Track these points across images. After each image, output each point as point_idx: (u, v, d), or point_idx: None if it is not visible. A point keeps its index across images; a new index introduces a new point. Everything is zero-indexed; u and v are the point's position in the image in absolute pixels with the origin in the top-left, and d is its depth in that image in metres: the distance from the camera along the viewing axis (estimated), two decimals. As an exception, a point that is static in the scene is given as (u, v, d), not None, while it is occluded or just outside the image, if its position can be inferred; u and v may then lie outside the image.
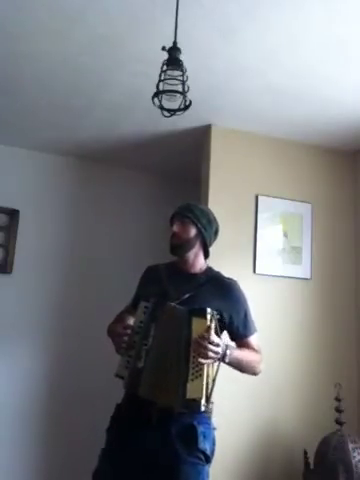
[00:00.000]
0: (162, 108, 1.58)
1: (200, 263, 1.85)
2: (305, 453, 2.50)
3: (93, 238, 3.51)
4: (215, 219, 1.89)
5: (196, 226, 1.80)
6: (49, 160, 3.49)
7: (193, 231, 1.80)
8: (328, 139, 2.99)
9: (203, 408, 1.56)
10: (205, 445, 1.63)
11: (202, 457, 1.61)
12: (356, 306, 2.97)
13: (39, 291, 3.32)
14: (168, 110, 1.58)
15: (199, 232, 1.81)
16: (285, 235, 2.93)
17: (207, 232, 1.82)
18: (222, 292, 1.79)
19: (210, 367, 1.58)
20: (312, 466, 2.47)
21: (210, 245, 1.86)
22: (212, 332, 1.55)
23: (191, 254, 1.82)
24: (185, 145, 3.18)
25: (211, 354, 1.53)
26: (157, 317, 1.62)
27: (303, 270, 2.91)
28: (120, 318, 1.90)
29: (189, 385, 1.53)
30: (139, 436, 1.62)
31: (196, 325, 1.56)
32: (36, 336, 3.27)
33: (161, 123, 2.75)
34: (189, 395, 1.52)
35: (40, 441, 3.15)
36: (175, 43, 1.59)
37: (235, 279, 1.88)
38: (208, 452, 1.64)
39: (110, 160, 3.54)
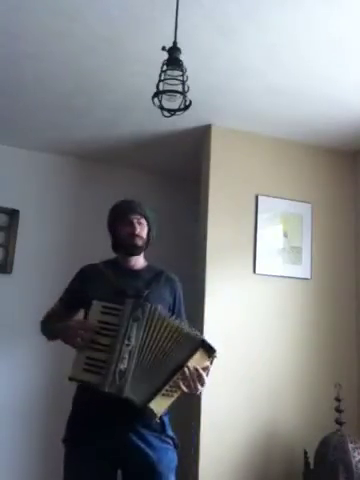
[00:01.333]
0: (162, 108, 1.58)
1: (142, 259, 1.90)
2: (305, 453, 2.50)
3: (93, 238, 3.50)
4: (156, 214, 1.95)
5: (149, 225, 1.87)
6: (49, 160, 3.49)
7: (147, 229, 1.86)
8: (328, 139, 2.99)
9: (154, 422, 1.59)
10: (171, 432, 1.71)
11: (171, 443, 1.70)
12: (356, 306, 2.97)
13: (39, 291, 3.32)
14: (168, 110, 1.58)
15: (149, 230, 1.87)
16: (285, 235, 2.93)
17: (154, 228, 1.89)
18: (168, 286, 1.86)
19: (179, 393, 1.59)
20: (312, 466, 2.47)
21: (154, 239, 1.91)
22: (208, 372, 1.59)
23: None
24: (185, 145, 3.18)
25: (193, 388, 1.55)
26: (138, 318, 1.58)
27: (303, 270, 2.91)
28: (58, 317, 1.87)
29: (158, 398, 1.52)
30: (110, 433, 1.61)
31: (199, 356, 1.57)
32: (36, 336, 3.24)
33: (161, 123, 2.75)
34: (152, 405, 1.52)
35: (40, 441, 3.15)
36: (175, 43, 1.59)
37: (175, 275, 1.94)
38: (175, 439, 1.72)
39: (110, 160, 3.54)
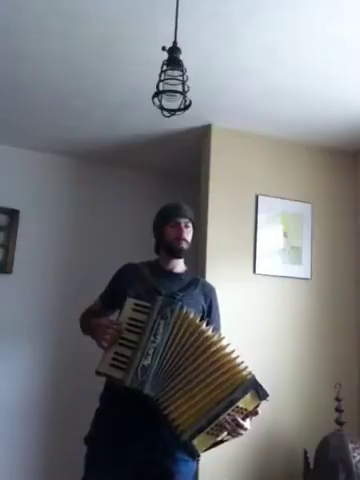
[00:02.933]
0: (162, 108, 1.58)
1: (182, 263, 1.91)
2: (305, 453, 2.50)
3: (93, 238, 3.51)
4: None
5: (194, 229, 1.90)
6: (49, 160, 3.49)
7: (191, 235, 1.89)
8: (328, 139, 2.99)
9: (194, 459, 1.58)
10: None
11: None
12: (356, 306, 2.97)
13: (39, 291, 3.32)
14: (168, 110, 1.58)
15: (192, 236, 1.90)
16: (285, 235, 2.93)
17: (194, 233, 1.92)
18: (205, 293, 1.85)
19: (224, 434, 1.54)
20: (312, 466, 2.47)
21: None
22: (251, 418, 1.55)
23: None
24: (185, 145, 3.18)
25: (238, 432, 1.51)
26: (167, 316, 1.58)
27: (303, 270, 2.91)
28: (95, 314, 1.89)
29: (203, 435, 1.48)
30: (134, 439, 1.61)
31: (250, 398, 1.53)
32: (36, 336, 3.27)
33: (161, 123, 2.75)
34: (195, 442, 1.47)
35: (40, 441, 3.15)
36: (175, 43, 1.59)
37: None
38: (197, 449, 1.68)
39: (110, 160, 3.54)
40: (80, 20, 2.01)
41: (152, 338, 1.55)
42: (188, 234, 1.85)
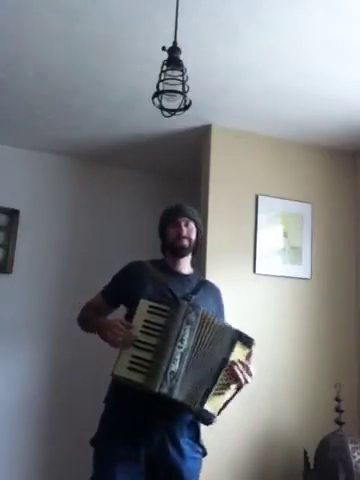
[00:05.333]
0: (162, 108, 1.58)
1: (189, 264, 1.91)
2: (305, 453, 2.50)
3: (93, 238, 3.51)
4: None
5: (198, 229, 1.89)
6: (49, 160, 3.49)
7: (195, 233, 1.87)
8: (328, 139, 2.99)
9: (213, 423, 1.60)
10: (202, 440, 1.75)
11: (201, 451, 1.74)
12: (356, 306, 2.98)
13: (39, 291, 3.32)
14: (168, 110, 1.58)
15: (197, 234, 1.89)
16: (285, 235, 2.93)
17: (201, 234, 1.91)
18: (213, 295, 1.89)
19: (231, 389, 1.63)
20: (312, 466, 2.47)
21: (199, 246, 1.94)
22: (251, 360, 1.64)
23: (188, 256, 1.89)
24: (185, 145, 3.18)
25: (242, 380, 1.61)
26: (192, 321, 1.60)
27: (303, 270, 2.91)
28: (96, 310, 1.87)
29: (210, 398, 1.56)
30: (145, 438, 1.62)
31: (238, 348, 1.62)
32: (36, 336, 3.27)
33: (161, 123, 2.75)
34: (207, 407, 1.56)
35: (39, 442, 3.15)
36: (175, 43, 1.59)
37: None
38: (204, 447, 1.75)
39: (110, 160, 3.54)
40: (80, 19, 2.01)
41: (179, 344, 1.57)
42: (190, 232, 1.85)
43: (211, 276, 2.73)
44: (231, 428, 2.61)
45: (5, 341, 3.20)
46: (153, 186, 3.68)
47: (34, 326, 3.27)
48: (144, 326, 1.60)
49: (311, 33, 2.03)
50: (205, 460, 2.51)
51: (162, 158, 3.45)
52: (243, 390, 2.65)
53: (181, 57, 1.56)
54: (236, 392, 1.65)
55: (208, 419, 1.58)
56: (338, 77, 2.33)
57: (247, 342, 1.63)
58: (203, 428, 1.75)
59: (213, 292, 1.90)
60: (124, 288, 1.82)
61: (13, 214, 3.31)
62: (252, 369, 1.63)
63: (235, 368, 1.59)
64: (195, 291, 1.79)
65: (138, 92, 2.53)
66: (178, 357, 1.56)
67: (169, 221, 1.87)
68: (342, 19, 1.93)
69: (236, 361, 1.61)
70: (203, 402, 1.55)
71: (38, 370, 3.24)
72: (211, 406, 1.57)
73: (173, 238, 1.84)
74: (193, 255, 1.93)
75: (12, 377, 3.17)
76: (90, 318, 1.86)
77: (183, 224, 1.84)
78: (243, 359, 1.62)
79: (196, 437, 1.71)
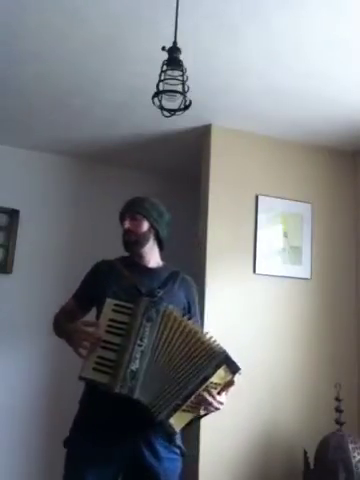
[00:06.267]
0: (162, 108, 1.58)
1: (156, 257, 1.86)
2: (305, 453, 2.50)
3: (93, 238, 3.51)
4: (166, 211, 1.88)
5: (148, 220, 1.81)
6: (49, 160, 3.49)
7: (145, 226, 1.80)
8: (328, 139, 2.99)
9: (173, 437, 1.58)
10: (179, 441, 1.68)
11: (178, 452, 1.67)
12: (356, 306, 2.97)
13: (39, 291, 3.32)
14: (168, 110, 1.58)
15: (151, 226, 1.81)
16: (285, 235, 2.93)
17: (160, 225, 1.83)
18: (184, 287, 1.83)
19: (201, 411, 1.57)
20: (312, 466, 2.47)
21: (164, 238, 1.86)
22: (228, 390, 1.57)
23: (146, 249, 1.81)
24: (185, 145, 3.18)
25: (214, 407, 1.55)
26: (152, 318, 1.55)
27: (303, 270, 2.91)
28: (69, 314, 1.83)
29: (178, 413, 1.50)
30: (117, 439, 1.59)
31: (222, 372, 1.54)
32: (36, 336, 3.27)
33: (161, 123, 2.75)
34: (172, 421, 1.50)
35: (40, 442, 3.15)
36: (175, 43, 1.58)
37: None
38: (182, 447, 1.69)
39: (110, 160, 3.54)
40: (81, 19, 2.01)
41: (139, 342, 1.52)
42: (135, 226, 1.79)
43: (211, 276, 2.74)
44: (231, 428, 2.61)
45: (5, 341, 3.20)
46: (153, 186, 3.68)
47: (34, 326, 3.27)
48: (109, 325, 1.56)
49: (312, 33, 2.03)
50: (205, 459, 2.54)
51: (162, 158, 3.45)
52: (243, 390, 2.66)
53: (181, 57, 1.56)
54: (204, 415, 1.58)
55: (170, 434, 1.54)
56: (339, 77, 2.33)
57: (233, 368, 1.56)
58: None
59: (185, 285, 1.83)
60: (93, 289, 1.79)
61: (13, 214, 3.31)
62: (224, 399, 1.56)
63: (207, 396, 1.52)
64: (163, 285, 1.75)
65: (138, 92, 2.53)
66: (138, 356, 1.51)
67: (119, 218, 1.85)
68: (344, 19, 1.93)
69: (214, 385, 1.53)
70: (169, 415, 1.49)
71: (38, 370, 3.24)
72: (176, 421, 1.51)
73: (123, 233, 1.82)
74: (160, 249, 1.87)
75: (12, 377, 3.17)
76: (61, 324, 1.82)
77: (128, 219, 1.81)
78: (222, 384, 1.55)
79: (171, 438, 1.64)
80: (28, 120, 2.98)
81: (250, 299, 2.79)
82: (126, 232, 1.81)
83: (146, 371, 1.51)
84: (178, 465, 1.68)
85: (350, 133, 2.89)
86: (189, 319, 1.62)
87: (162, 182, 3.70)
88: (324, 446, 2.44)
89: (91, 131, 3.10)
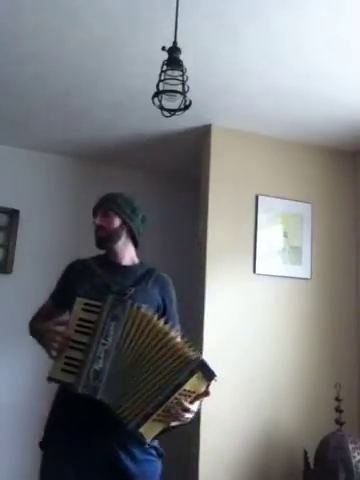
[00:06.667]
0: (162, 108, 1.58)
1: (130, 254, 1.80)
2: (305, 453, 2.50)
3: (93, 238, 3.50)
4: (140, 207, 1.82)
5: (120, 216, 1.76)
6: (49, 160, 3.49)
7: (117, 222, 1.76)
8: (328, 139, 2.99)
9: (145, 446, 1.50)
10: (155, 442, 1.60)
11: (154, 453, 1.60)
12: (356, 306, 2.97)
13: (39, 291, 3.28)
14: (168, 110, 1.58)
15: (124, 222, 1.76)
16: (285, 235, 2.93)
17: (133, 221, 1.77)
18: (160, 286, 1.75)
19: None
20: (312, 466, 2.47)
21: (139, 234, 1.80)
22: (201, 400, 1.48)
23: (120, 245, 1.76)
24: (185, 145, 3.18)
25: (185, 417, 1.45)
26: (118, 317, 1.49)
27: (303, 270, 2.91)
28: (46, 314, 1.81)
29: (149, 422, 1.42)
30: (91, 442, 1.53)
31: (196, 380, 1.43)
32: (36, 336, 3.27)
33: (161, 123, 2.75)
34: (142, 430, 1.42)
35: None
36: (175, 43, 1.59)
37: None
38: (159, 448, 1.61)
39: (110, 160, 3.54)
40: (79, 20, 2.01)
41: (103, 341, 1.47)
42: (106, 222, 1.76)
43: (211, 276, 2.74)
44: (231, 428, 2.61)
45: (5, 341, 3.19)
46: (153, 186, 3.68)
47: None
48: (78, 325, 1.52)
49: (312, 33, 2.03)
50: (205, 459, 2.54)
51: (162, 158, 3.45)
52: (243, 390, 2.67)
53: (181, 57, 1.56)
54: (176, 426, 1.48)
55: (141, 442, 1.46)
56: (339, 77, 2.33)
57: (208, 375, 1.44)
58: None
59: (160, 283, 1.75)
60: (67, 288, 1.76)
61: (13, 214, 3.31)
62: (196, 408, 1.46)
63: (179, 406, 1.42)
64: (136, 283, 1.69)
65: (138, 92, 2.53)
66: (102, 355, 1.46)
67: (92, 215, 1.83)
68: (344, 19, 1.93)
69: (187, 393, 1.43)
70: (139, 425, 1.42)
71: (39, 370, 3.23)
72: (147, 431, 1.43)
73: (94, 230, 1.79)
74: (135, 246, 1.82)
75: (13, 377, 3.17)
76: (34, 324, 1.80)
77: (100, 215, 1.78)
78: (197, 391, 1.45)
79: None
80: (26, 121, 2.98)
81: (250, 299, 2.79)
82: (97, 228, 1.78)
83: (110, 371, 1.46)
84: (157, 466, 1.61)
85: (350, 133, 2.89)
86: (161, 318, 1.54)
87: (162, 182, 3.70)
88: (324, 446, 2.44)
89: (91, 131, 3.10)
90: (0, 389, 3.14)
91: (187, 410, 1.43)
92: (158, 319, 1.52)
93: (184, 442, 2.79)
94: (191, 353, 1.46)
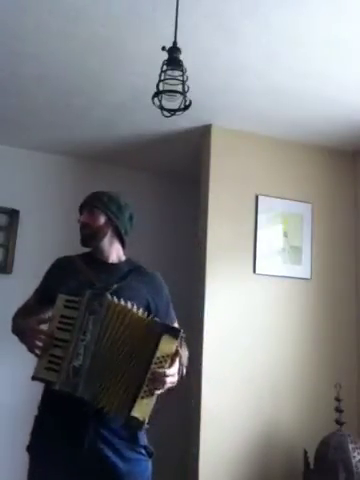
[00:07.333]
0: (162, 108, 1.58)
1: (117, 252, 1.77)
2: (305, 453, 2.50)
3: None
4: (127, 205, 1.79)
5: (105, 214, 1.73)
6: (49, 160, 3.49)
7: (102, 219, 1.73)
8: (328, 139, 2.99)
9: (144, 429, 1.49)
10: (144, 440, 1.59)
11: (144, 452, 1.58)
12: (356, 306, 2.98)
13: (39, 291, 3.31)
14: (168, 110, 1.58)
15: (109, 219, 1.74)
16: (285, 235, 2.93)
17: (119, 219, 1.75)
18: (147, 282, 1.73)
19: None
20: (312, 466, 2.47)
21: (126, 232, 1.78)
22: (180, 357, 1.49)
23: (105, 243, 1.74)
24: (185, 145, 3.18)
25: (169, 381, 1.45)
26: (96, 311, 1.47)
27: (303, 270, 2.91)
28: (27, 314, 1.77)
29: (138, 402, 1.41)
30: (78, 442, 1.50)
31: (164, 344, 1.44)
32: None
33: (161, 123, 2.75)
34: (135, 413, 1.40)
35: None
36: (175, 43, 1.59)
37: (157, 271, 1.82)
38: (149, 447, 1.60)
39: (110, 160, 3.54)
40: (80, 20, 2.01)
41: (82, 336, 1.45)
42: (90, 219, 1.73)
43: (211, 276, 2.74)
44: (231, 428, 2.61)
45: (5, 341, 3.19)
46: (153, 186, 3.68)
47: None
48: (60, 322, 1.50)
49: (311, 33, 2.03)
50: (205, 459, 2.54)
51: (162, 158, 3.45)
52: (243, 390, 2.67)
53: (181, 57, 1.57)
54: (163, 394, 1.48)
55: (137, 426, 1.45)
56: (339, 77, 2.33)
57: (173, 333, 1.45)
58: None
59: (148, 279, 1.73)
60: (51, 285, 1.75)
61: (13, 214, 3.31)
62: (175, 370, 1.47)
63: (159, 367, 1.43)
64: (120, 279, 1.65)
65: (138, 92, 2.53)
66: (81, 351, 1.44)
67: (79, 213, 1.81)
68: (343, 19, 1.93)
69: (162, 359, 1.44)
70: (130, 408, 1.40)
71: (38, 370, 3.24)
72: (140, 411, 1.41)
73: (79, 228, 1.78)
74: (122, 245, 1.79)
75: (13, 377, 3.16)
76: (16, 320, 1.78)
77: (85, 212, 1.76)
78: (170, 353, 1.45)
79: (134, 438, 1.55)
80: (28, 121, 2.98)
81: (250, 299, 2.79)
82: (82, 225, 1.76)
83: (90, 366, 1.44)
84: (147, 466, 1.58)
85: (350, 133, 2.89)
86: (148, 315, 1.53)
87: (163, 182, 3.70)
88: (324, 446, 2.44)
89: (91, 131, 3.10)
90: (0, 389, 3.14)
91: (168, 375, 1.44)
92: (139, 312, 1.50)
93: (184, 442, 2.79)
94: (153, 321, 1.48)
